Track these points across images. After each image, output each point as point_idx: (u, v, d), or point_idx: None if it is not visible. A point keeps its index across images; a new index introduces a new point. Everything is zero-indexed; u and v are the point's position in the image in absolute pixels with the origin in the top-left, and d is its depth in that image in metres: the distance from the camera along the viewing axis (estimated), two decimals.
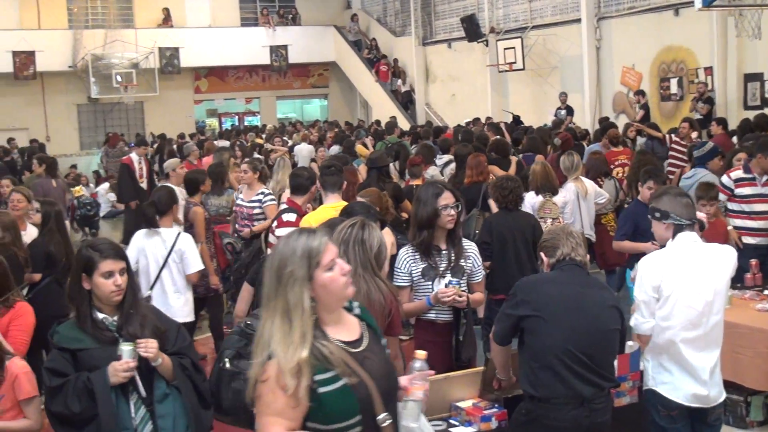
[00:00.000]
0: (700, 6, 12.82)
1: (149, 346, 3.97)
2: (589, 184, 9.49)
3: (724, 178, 8.33)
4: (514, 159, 11.91)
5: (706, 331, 4.57)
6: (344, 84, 31.05)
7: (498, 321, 4.48)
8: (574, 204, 9.13)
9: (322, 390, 2.91)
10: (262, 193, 9.32)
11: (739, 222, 8.22)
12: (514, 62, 22.55)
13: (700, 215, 5.02)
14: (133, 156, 15.84)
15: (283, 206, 7.33)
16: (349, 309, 3.22)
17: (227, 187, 10.34)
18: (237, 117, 31.53)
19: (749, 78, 17.62)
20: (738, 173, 8.28)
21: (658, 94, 19.55)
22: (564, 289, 4.30)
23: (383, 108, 26.92)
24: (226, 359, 4.22)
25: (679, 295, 4.53)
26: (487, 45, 23.83)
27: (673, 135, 13.86)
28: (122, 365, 3.91)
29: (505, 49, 22.80)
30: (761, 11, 15.12)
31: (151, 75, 27.61)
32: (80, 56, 26.78)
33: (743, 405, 6.25)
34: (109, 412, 3.86)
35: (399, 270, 5.25)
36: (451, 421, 4.59)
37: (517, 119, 19.90)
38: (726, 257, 4.72)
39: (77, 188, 19.17)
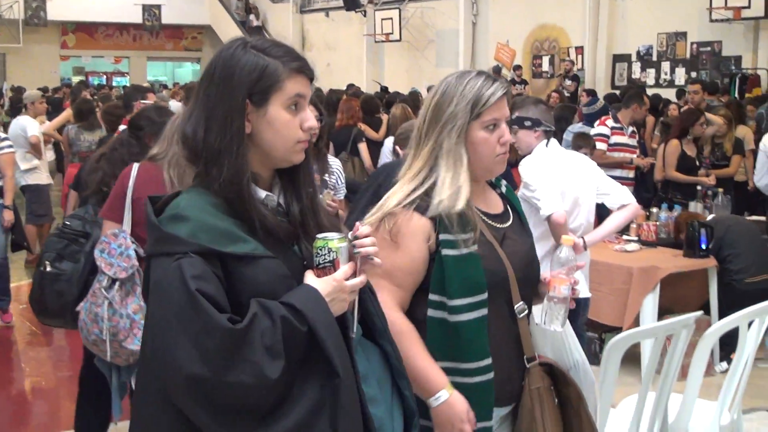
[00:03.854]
0: None
1: (369, 241, 2.08)
2: None
3: (601, 128, 8.40)
4: (384, 117, 11.78)
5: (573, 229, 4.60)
6: (218, 48, 30.32)
7: None
8: None
9: (446, 252, 2.46)
10: None
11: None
12: (391, 33, 22.52)
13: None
14: None
15: None
16: (494, 185, 2.76)
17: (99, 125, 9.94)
18: (105, 76, 30.45)
19: (617, 58, 18.11)
20: (611, 122, 8.40)
21: (531, 71, 19.83)
22: None
23: None
24: (47, 262, 4.05)
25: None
26: (365, 15, 23.71)
27: None
28: (348, 275, 2.02)
29: (382, 19, 22.75)
30: None
31: (15, 26, 26.37)
32: None
33: (597, 342, 6.30)
34: (351, 374, 1.99)
35: None
36: None
37: (384, 89, 19.82)
38: (591, 165, 4.83)
39: None
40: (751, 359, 3.83)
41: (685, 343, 3.57)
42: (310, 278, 2.01)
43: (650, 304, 5.93)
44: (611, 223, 4.77)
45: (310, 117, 2.08)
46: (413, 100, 13.83)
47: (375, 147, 9.88)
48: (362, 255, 2.04)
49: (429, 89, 17.39)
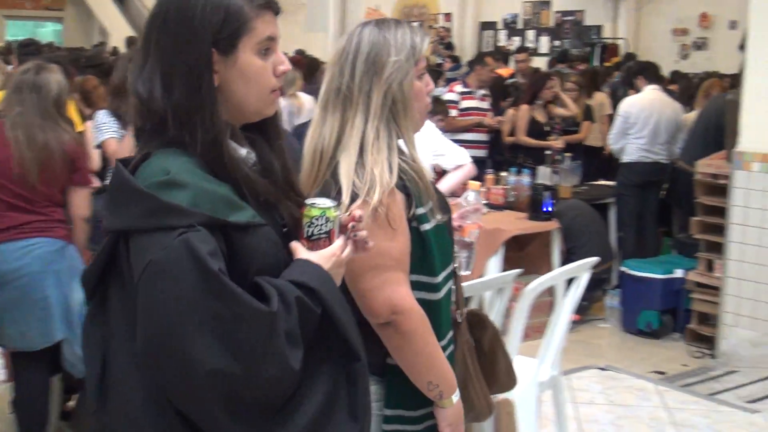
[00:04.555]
0: None
1: (359, 214, 1.87)
2: (306, 99, 9.13)
3: (450, 95, 8.43)
4: None
5: None
6: (81, 8, 29.32)
7: None
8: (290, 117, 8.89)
9: (425, 227, 2.17)
10: None
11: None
12: None
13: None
14: None
15: None
16: None
17: None
18: None
19: (485, 26, 18.28)
20: (459, 87, 8.45)
21: None
22: None
23: (122, 35, 25.64)
24: None
25: None
26: None
27: None
28: (344, 249, 1.81)
29: None
30: None
31: None
32: None
33: None
34: (363, 355, 1.76)
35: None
36: None
37: None
38: (427, 127, 4.76)
39: None
40: (567, 316, 3.86)
41: (504, 302, 3.56)
42: (304, 252, 1.74)
43: (494, 266, 5.96)
44: (445, 183, 4.77)
45: (283, 59, 1.78)
46: None
47: None
48: (358, 239, 1.82)
49: (298, 53, 17.22)
